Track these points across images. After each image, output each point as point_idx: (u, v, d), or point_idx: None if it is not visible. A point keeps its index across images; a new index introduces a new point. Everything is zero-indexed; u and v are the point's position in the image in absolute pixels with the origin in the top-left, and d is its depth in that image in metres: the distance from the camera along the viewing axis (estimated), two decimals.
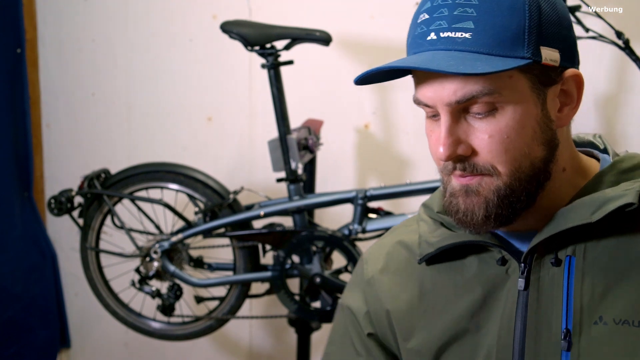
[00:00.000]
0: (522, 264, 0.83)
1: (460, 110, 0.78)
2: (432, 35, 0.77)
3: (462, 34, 0.75)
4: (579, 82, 0.82)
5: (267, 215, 1.96)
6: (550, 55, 0.77)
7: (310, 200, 1.94)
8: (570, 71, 0.81)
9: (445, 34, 0.76)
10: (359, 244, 1.92)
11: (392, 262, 0.98)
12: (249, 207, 2.03)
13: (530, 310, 0.82)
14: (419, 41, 0.79)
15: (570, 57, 0.81)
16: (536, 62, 0.76)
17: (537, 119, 0.79)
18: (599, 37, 1.74)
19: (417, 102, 0.82)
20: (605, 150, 0.92)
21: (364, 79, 0.82)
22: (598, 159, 0.91)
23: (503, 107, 0.77)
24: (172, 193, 2.13)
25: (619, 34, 1.70)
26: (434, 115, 0.82)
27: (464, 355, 0.88)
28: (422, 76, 0.79)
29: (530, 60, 0.75)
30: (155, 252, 2.04)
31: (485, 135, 0.77)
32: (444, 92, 0.77)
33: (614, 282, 0.79)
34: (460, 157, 0.79)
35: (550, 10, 0.78)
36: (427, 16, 0.79)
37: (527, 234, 0.84)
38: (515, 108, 0.77)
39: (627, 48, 1.71)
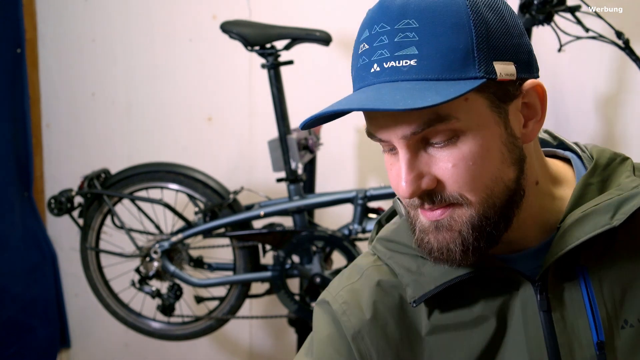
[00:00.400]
0: (538, 284, 0.78)
1: (418, 141, 0.72)
2: (376, 67, 0.72)
3: (407, 62, 0.70)
4: (540, 92, 0.76)
5: (267, 215, 1.96)
6: (504, 69, 0.71)
7: (310, 200, 1.94)
8: (529, 82, 0.75)
9: (389, 64, 0.71)
10: (358, 244, 1.92)
11: (382, 309, 0.84)
12: (249, 207, 2.03)
13: (558, 329, 0.78)
14: (362, 74, 0.73)
15: (527, 67, 0.75)
16: (491, 80, 0.70)
17: (501, 139, 0.73)
18: (599, 37, 1.74)
19: (372, 137, 0.76)
20: (561, 145, 0.89)
21: (318, 121, 0.77)
22: (561, 157, 0.88)
23: (463, 132, 0.71)
24: (172, 193, 2.13)
25: (619, 34, 1.70)
26: (391, 149, 0.76)
27: None
28: (372, 111, 0.74)
29: (484, 79, 0.69)
30: (155, 252, 2.04)
31: (448, 164, 0.72)
32: (397, 125, 0.71)
33: (628, 282, 0.78)
34: (426, 191, 0.73)
35: (497, 21, 0.72)
36: (367, 46, 0.73)
37: (525, 252, 0.81)
38: (477, 132, 0.71)
39: (627, 48, 1.71)
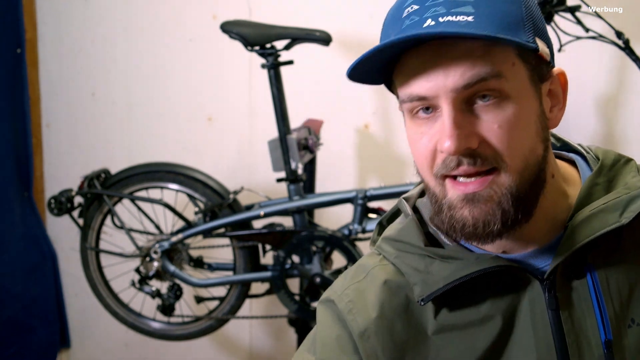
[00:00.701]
0: (546, 282, 0.78)
1: (464, 100, 0.72)
2: (430, 22, 0.71)
3: (464, 17, 0.70)
4: (564, 81, 0.81)
5: (267, 215, 1.96)
6: (543, 47, 0.75)
7: (310, 200, 1.94)
8: (556, 69, 0.79)
9: (445, 19, 0.70)
10: (358, 244, 1.92)
11: (388, 309, 0.83)
12: (249, 207, 2.03)
13: (566, 328, 0.78)
14: (413, 32, 0.72)
15: (553, 56, 0.79)
16: (534, 51, 0.73)
17: (537, 113, 0.76)
18: (599, 37, 1.74)
19: (411, 98, 0.75)
20: (565, 147, 0.90)
21: (357, 70, 0.76)
22: (565, 159, 0.89)
23: (508, 96, 0.73)
24: (172, 193, 2.13)
25: (619, 34, 1.70)
26: (426, 109, 0.75)
27: None
28: (418, 66, 0.73)
29: (534, 45, 0.72)
30: (155, 252, 2.04)
31: (494, 125, 0.72)
32: (449, 77, 0.71)
33: (635, 280, 0.78)
34: (469, 150, 0.73)
35: (537, 9, 0.77)
36: (416, 7, 0.73)
37: (532, 251, 0.81)
38: (518, 99, 0.73)
39: (627, 48, 1.71)
